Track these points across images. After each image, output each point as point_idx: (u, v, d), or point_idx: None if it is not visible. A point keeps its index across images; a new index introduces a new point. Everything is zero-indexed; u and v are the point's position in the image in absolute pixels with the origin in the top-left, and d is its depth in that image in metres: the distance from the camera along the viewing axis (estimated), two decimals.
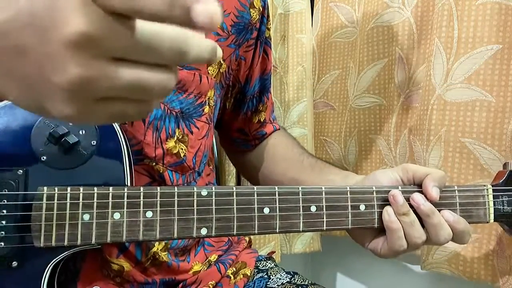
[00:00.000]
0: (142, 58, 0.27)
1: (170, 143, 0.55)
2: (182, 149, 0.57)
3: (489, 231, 0.76)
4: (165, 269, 0.56)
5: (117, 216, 0.44)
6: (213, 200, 0.46)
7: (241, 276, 0.63)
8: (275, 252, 0.92)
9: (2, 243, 0.42)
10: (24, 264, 0.43)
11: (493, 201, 0.55)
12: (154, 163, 0.54)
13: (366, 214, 0.51)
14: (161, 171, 0.55)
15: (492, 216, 0.55)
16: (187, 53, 0.28)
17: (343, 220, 0.51)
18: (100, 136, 0.46)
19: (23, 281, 0.43)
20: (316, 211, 0.49)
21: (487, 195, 0.55)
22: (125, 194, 0.44)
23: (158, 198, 0.45)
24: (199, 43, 0.28)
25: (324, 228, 0.50)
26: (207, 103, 0.59)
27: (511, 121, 0.72)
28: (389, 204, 0.51)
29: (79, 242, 0.43)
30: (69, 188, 0.43)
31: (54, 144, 0.44)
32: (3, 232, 0.42)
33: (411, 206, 0.51)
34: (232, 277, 0.62)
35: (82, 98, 0.27)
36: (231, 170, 0.99)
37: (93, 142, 0.45)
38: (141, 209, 0.44)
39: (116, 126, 0.47)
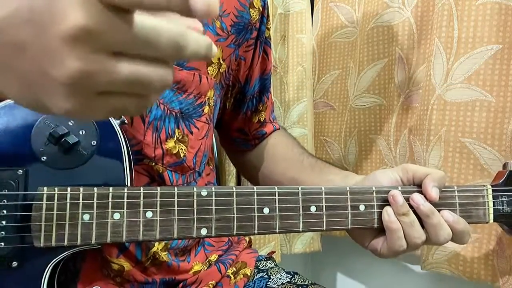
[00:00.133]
0: (140, 52, 0.27)
1: (170, 143, 0.55)
2: (182, 149, 0.57)
3: (489, 231, 0.76)
4: (165, 269, 0.56)
5: (117, 216, 0.44)
6: (213, 200, 0.46)
7: (241, 276, 0.63)
8: (275, 252, 0.92)
9: (2, 243, 0.42)
10: (24, 264, 0.43)
11: (493, 201, 0.55)
12: (153, 163, 0.54)
13: (366, 214, 0.51)
14: (160, 171, 0.55)
15: (491, 216, 0.55)
16: (184, 48, 0.28)
17: (343, 220, 0.51)
18: (100, 136, 0.46)
19: (23, 281, 0.44)
20: (316, 211, 0.49)
21: (487, 195, 0.55)
22: (125, 194, 0.44)
23: (158, 198, 0.45)
24: (197, 39, 0.29)
25: (324, 228, 0.50)
26: (207, 103, 0.59)
27: (511, 121, 0.72)
28: (389, 204, 0.51)
29: (79, 242, 0.43)
30: (69, 188, 0.43)
31: (54, 144, 0.44)
32: (3, 232, 0.42)
33: (410, 206, 0.51)
34: (232, 277, 0.62)
35: (81, 92, 0.27)
36: (231, 170, 0.99)
37: (93, 142, 0.45)
38: (141, 209, 0.44)
39: (116, 126, 0.47)
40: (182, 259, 0.58)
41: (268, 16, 0.71)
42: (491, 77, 0.74)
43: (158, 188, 0.45)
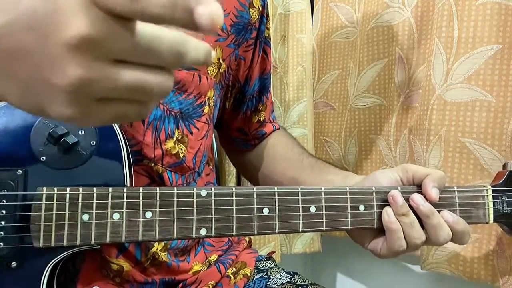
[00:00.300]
0: (142, 60, 0.28)
1: (169, 144, 0.55)
2: (181, 149, 0.57)
3: (489, 231, 0.76)
4: (165, 269, 0.56)
5: (116, 216, 0.44)
6: (213, 201, 0.46)
7: (241, 276, 0.63)
8: (275, 252, 0.92)
9: (2, 244, 0.42)
10: (23, 264, 0.43)
11: (493, 202, 0.55)
12: (153, 164, 0.54)
13: (366, 214, 0.51)
14: (160, 172, 0.55)
15: (491, 216, 0.55)
16: (185, 55, 0.28)
17: (343, 221, 0.51)
18: (100, 136, 0.46)
19: (22, 282, 0.43)
20: (315, 211, 0.49)
21: (487, 195, 0.55)
22: (125, 194, 0.44)
23: (158, 199, 0.45)
24: (196, 46, 0.29)
25: (324, 228, 0.50)
26: (206, 103, 0.59)
27: (511, 121, 0.72)
28: (389, 205, 0.51)
29: (78, 242, 0.43)
30: (68, 189, 0.43)
31: (53, 144, 0.44)
32: (2, 233, 0.42)
33: (410, 206, 0.51)
34: (232, 277, 0.62)
35: (82, 99, 0.27)
36: (231, 170, 0.99)
37: (93, 143, 0.45)
38: (141, 209, 0.44)
39: (115, 126, 0.47)
40: (182, 259, 0.58)
41: (267, 16, 0.71)
42: (491, 77, 0.74)
43: (158, 188, 0.45)
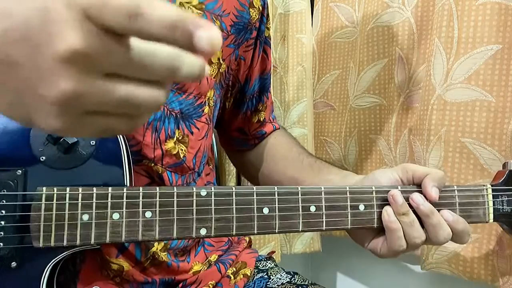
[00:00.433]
0: (134, 74, 0.28)
1: (169, 144, 0.55)
2: (182, 150, 0.57)
3: (489, 231, 0.76)
4: (165, 269, 0.56)
5: (116, 216, 0.43)
6: (212, 200, 0.46)
7: (241, 276, 0.63)
8: (275, 252, 0.92)
9: (1, 244, 0.42)
10: (23, 264, 0.43)
11: (493, 201, 0.55)
12: (153, 164, 0.54)
13: (366, 214, 0.51)
14: (160, 172, 0.54)
15: (491, 216, 0.55)
16: (179, 71, 0.28)
17: (343, 220, 0.50)
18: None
19: (22, 282, 0.43)
20: (315, 211, 0.49)
21: (487, 194, 0.55)
22: (124, 194, 0.44)
23: (157, 198, 0.45)
24: (191, 62, 0.28)
25: (324, 228, 0.50)
26: (206, 104, 0.59)
27: (511, 121, 0.72)
28: (389, 204, 0.51)
29: (78, 242, 0.43)
30: (68, 189, 0.43)
31: (53, 144, 0.44)
32: (2, 233, 0.42)
33: (410, 206, 0.51)
34: (232, 277, 0.62)
35: (71, 112, 0.27)
36: (231, 170, 0.99)
37: (92, 143, 0.45)
38: (140, 209, 0.44)
39: None
40: (182, 259, 0.58)
41: (268, 15, 0.71)
42: (491, 77, 0.74)
43: (157, 188, 0.45)
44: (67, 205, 0.43)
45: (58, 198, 0.42)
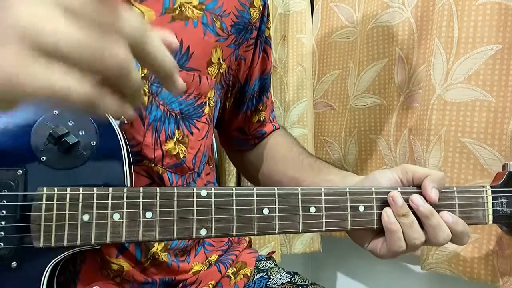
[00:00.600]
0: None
1: (170, 145, 0.55)
2: (182, 150, 0.57)
3: (489, 232, 0.76)
4: (165, 269, 0.56)
5: (116, 216, 0.44)
6: (213, 201, 0.46)
7: (241, 276, 0.63)
8: (275, 252, 0.92)
9: (2, 244, 0.42)
10: (23, 264, 0.43)
11: (492, 202, 0.55)
12: (153, 164, 0.54)
13: (365, 215, 0.51)
14: (160, 172, 0.55)
15: (491, 217, 0.55)
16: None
17: (343, 221, 0.51)
18: (100, 136, 0.46)
19: (22, 282, 0.43)
20: (315, 212, 0.49)
21: (486, 196, 0.55)
22: (125, 194, 0.44)
23: (158, 199, 0.45)
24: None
25: (323, 229, 0.50)
26: (207, 104, 0.59)
27: (511, 121, 0.72)
28: (388, 205, 0.51)
29: (78, 242, 0.43)
30: (68, 189, 0.43)
31: (53, 144, 0.44)
32: (2, 233, 0.42)
33: (410, 207, 0.51)
34: (232, 277, 0.62)
35: (22, 44, 0.25)
36: (231, 170, 0.99)
37: (93, 143, 0.45)
38: (141, 209, 0.44)
39: (115, 126, 0.47)
40: (182, 260, 0.58)
41: (268, 15, 0.71)
42: (491, 77, 0.74)
43: (158, 188, 0.45)
44: (67, 205, 0.43)
45: (59, 198, 0.43)
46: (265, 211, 0.48)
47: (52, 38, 0.25)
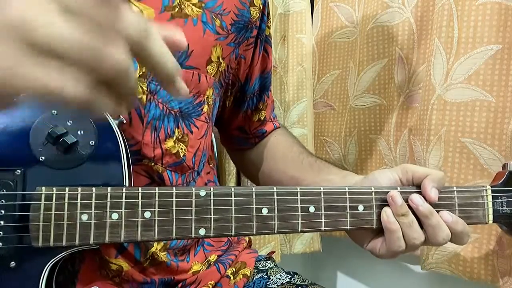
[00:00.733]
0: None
1: (169, 143, 0.55)
2: (181, 149, 0.57)
3: (489, 231, 0.76)
4: (164, 269, 0.56)
5: (115, 216, 0.43)
6: (212, 201, 0.46)
7: (241, 276, 0.63)
8: (275, 252, 0.92)
9: (0, 243, 0.42)
10: (22, 264, 0.43)
11: (492, 202, 0.55)
12: (153, 163, 0.54)
13: (365, 214, 0.51)
14: (160, 171, 0.54)
15: (491, 217, 0.55)
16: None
17: (342, 221, 0.50)
18: (99, 136, 0.46)
19: (21, 281, 0.43)
20: (314, 211, 0.49)
21: (486, 195, 0.55)
22: (123, 194, 0.44)
23: (156, 199, 0.45)
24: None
25: (323, 228, 0.50)
26: (206, 102, 0.59)
27: (511, 121, 0.72)
28: (388, 205, 0.51)
29: (77, 242, 0.43)
30: (67, 189, 0.43)
31: (52, 144, 0.44)
32: (1, 232, 0.42)
33: (409, 207, 0.51)
34: (232, 277, 0.62)
35: (17, 42, 0.24)
36: (231, 169, 0.99)
37: (92, 142, 0.45)
38: (139, 209, 0.44)
39: (114, 126, 0.47)
40: (181, 259, 0.58)
41: (268, 14, 0.70)
42: (491, 77, 0.74)
43: (157, 188, 0.45)
44: (66, 205, 0.43)
45: (57, 198, 0.42)
46: (264, 211, 0.48)
47: (47, 36, 0.25)
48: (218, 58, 0.60)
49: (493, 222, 0.55)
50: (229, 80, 0.67)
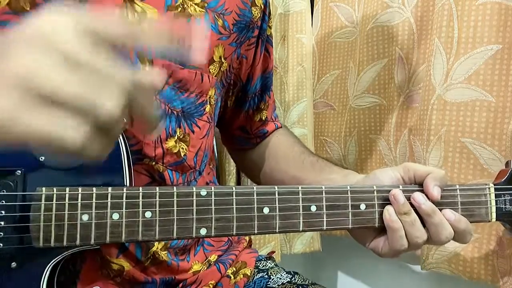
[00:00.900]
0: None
1: (170, 143, 0.55)
2: (182, 148, 0.56)
3: (489, 231, 0.76)
4: (165, 269, 0.56)
5: (116, 216, 0.43)
6: (213, 200, 0.46)
7: (241, 276, 0.63)
8: (275, 252, 0.92)
9: (1, 244, 0.42)
10: (23, 265, 0.43)
11: (495, 200, 0.55)
12: (154, 163, 0.54)
13: (367, 213, 0.51)
14: (161, 171, 0.54)
15: (494, 215, 0.55)
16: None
17: (344, 220, 0.50)
18: None
19: (22, 282, 0.43)
20: (316, 210, 0.49)
21: (489, 193, 0.55)
22: (124, 194, 0.44)
23: (157, 198, 0.45)
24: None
25: (324, 227, 0.50)
26: (208, 102, 0.59)
27: (511, 121, 0.72)
28: (390, 204, 0.51)
29: (78, 242, 0.42)
30: (67, 189, 0.43)
31: None
32: (2, 233, 0.42)
33: (412, 205, 0.51)
34: (232, 277, 0.62)
35: (21, 92, 0.26)
36: (231, 170, 0.99)
37: None
38: (140, 209, 0.44)
39: None
40: (182, 258, 0.58)
41: (269, 14, 0.71)
42: (491, 77, 0.74)
43: (157, 188, 0.45)
44: (66, 205, 0.42)
45: (58, 198, 0.42)
46: (265, 210, 0.48)
47: (51, 86, 0.26)
48: (220, 58, 0.60)
49: (496, 220, 0.55)
50: (230, 80, 0.67)
